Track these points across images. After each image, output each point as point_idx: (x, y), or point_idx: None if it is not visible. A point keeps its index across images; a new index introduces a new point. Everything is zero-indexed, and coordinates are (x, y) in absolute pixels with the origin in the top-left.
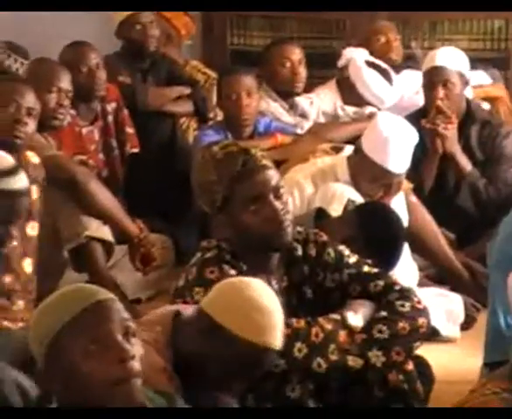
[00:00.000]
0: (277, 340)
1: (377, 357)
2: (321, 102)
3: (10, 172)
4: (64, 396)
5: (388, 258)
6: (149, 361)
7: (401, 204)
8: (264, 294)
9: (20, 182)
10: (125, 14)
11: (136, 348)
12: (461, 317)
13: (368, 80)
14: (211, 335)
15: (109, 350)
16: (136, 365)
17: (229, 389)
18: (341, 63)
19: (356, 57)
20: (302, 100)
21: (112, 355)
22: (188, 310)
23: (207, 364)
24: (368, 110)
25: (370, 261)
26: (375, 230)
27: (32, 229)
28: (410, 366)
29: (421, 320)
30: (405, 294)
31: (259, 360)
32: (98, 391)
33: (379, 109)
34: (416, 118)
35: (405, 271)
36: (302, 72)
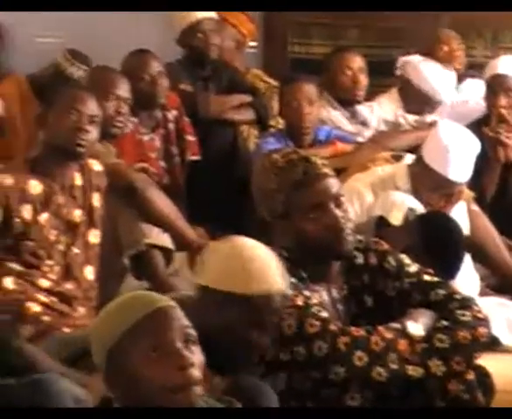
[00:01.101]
0: (277, 281)
1: (437, 366)
2: (382, 110)
3: None
4: (124, 402)
5: (449, 268)
6: None
7: (462, 213)
8: (250, 246)
9: None
10: (187, 22)
11: (197, 356)
12: None
13: (425, 71)
14: (220, 307)
15: (169, 357)
16: (196, 372)
17: (250, 363)
18: (398, 71)
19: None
20: (363, 109)
21: (171, 362)
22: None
23: (225, 342)
24: (429, 118)
25: (430, 270)
26: (436, 240)
27: (95, 237)
28: (470, 375)
29: (482, 330)
30: (466, 303)
31: (267, 309)
32: (157, 398)
33: (440, 105)
34: (478, 126)
35: (467, 280)
36: (363, 80)
